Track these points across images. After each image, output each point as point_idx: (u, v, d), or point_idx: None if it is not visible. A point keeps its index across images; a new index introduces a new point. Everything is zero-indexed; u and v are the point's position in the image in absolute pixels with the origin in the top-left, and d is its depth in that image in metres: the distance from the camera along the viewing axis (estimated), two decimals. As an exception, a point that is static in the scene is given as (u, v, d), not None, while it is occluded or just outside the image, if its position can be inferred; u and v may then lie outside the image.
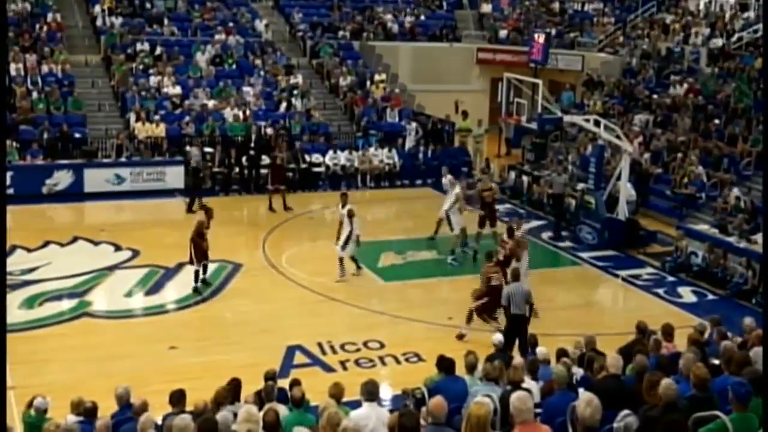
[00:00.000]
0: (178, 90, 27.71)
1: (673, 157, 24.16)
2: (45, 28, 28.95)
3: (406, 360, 14.17)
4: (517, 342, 13.22)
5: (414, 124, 28.62)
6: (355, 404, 8.44)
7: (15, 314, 15.24)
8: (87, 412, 9.20)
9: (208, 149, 25.08)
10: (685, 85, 27.92)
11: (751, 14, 30.99)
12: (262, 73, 29.59)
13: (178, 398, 8.88)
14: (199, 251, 16.94)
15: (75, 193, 23.73)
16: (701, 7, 33.72)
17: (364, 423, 7.60)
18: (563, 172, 23.44)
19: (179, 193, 24.26)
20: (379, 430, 7.72)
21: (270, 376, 9.86)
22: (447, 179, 21.18)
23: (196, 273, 17.04)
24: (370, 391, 8.27)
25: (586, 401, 6.62)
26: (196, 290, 16.95)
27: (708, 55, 29.27)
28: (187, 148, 24.27)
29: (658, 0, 34.84)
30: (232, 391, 9.32)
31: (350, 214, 17.68)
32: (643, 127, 26.39)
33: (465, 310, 15.12)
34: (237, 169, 24.89)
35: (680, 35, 31.39)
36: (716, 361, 8.97)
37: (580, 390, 8.18)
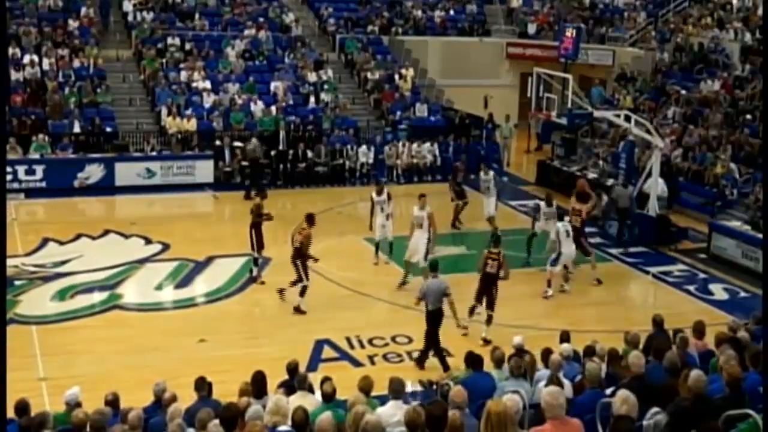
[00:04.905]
0: (207, 84, 27.84)
1: (704, 153, 23.90)
2: (77, 23, 29.20)
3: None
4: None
5: None
6: (383, 399, 8.45)
7: (47, 306, 15.44)
8: (109, 404, 9.23)
9: (237, 143, 25.22)
10: (717, 81, 27.62)
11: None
12: (291, 67, 29.65)
13: (201, 385, 9.00)
14: None
15: (106, 187, 23.93)
16: (733, 1, 33.29)
17: (388, 420, 7.60)
18: (628, 183, 21.00)
19: (209, 187, 24.42)
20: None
21: (292, 367, 9.87)
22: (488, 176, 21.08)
23: None
24: (397, 389, 8.30)
25: (622, 398, 6.58)
26: None
27: (740, 49, 28.92)
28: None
29: (689, -6, 34.50)
30: (257, 385, 9.29)
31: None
32: (677, 122, 26.11)
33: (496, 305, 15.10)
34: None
35: (712, 30, 31.04)
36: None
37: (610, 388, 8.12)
